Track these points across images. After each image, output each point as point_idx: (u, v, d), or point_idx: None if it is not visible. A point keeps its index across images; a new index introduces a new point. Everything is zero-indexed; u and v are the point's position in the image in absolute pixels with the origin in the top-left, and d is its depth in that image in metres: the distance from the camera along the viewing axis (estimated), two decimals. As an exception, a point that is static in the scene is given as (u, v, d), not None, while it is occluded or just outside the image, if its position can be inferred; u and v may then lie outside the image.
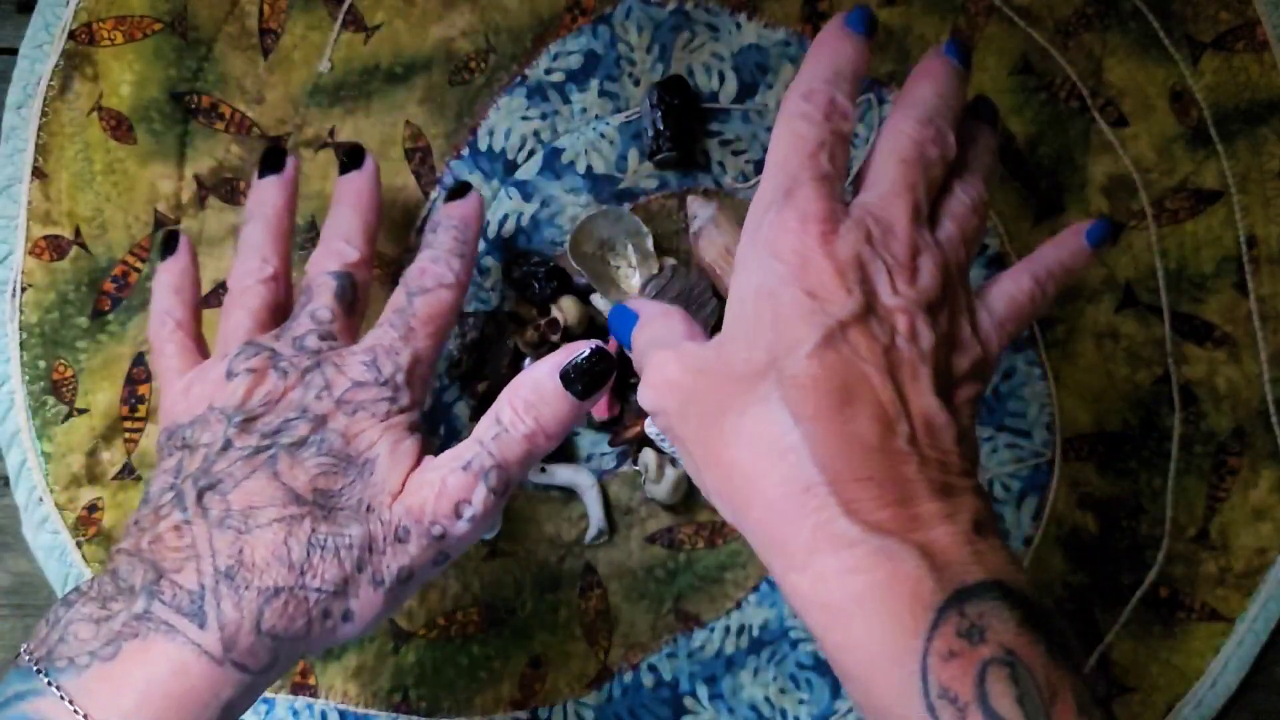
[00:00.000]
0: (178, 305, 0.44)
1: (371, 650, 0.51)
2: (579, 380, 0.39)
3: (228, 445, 0.37)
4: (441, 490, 0.37)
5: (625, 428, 0.51)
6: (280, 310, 0.43)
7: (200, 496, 0.36)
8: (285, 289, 0.43)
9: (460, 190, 0.46)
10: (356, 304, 0.42)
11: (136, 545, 0.36)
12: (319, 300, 0.41)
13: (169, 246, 0.46)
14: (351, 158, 0.45)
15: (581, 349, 0.39)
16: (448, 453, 0.39)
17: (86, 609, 0.36)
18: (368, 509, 0.37)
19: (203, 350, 0.44)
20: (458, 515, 0.37)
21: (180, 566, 0.35)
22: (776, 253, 0.34)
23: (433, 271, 0.42)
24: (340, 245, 0.43)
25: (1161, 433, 0.52)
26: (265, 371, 0.39)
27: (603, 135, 0.53)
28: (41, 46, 0.52)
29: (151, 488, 0.38)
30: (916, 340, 0.34)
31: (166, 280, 0.45)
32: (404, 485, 0.38)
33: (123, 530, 0.38)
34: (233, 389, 0.38)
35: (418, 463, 0.39)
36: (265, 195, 0.45)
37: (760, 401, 0.33)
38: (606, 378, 0.39)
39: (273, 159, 0.45)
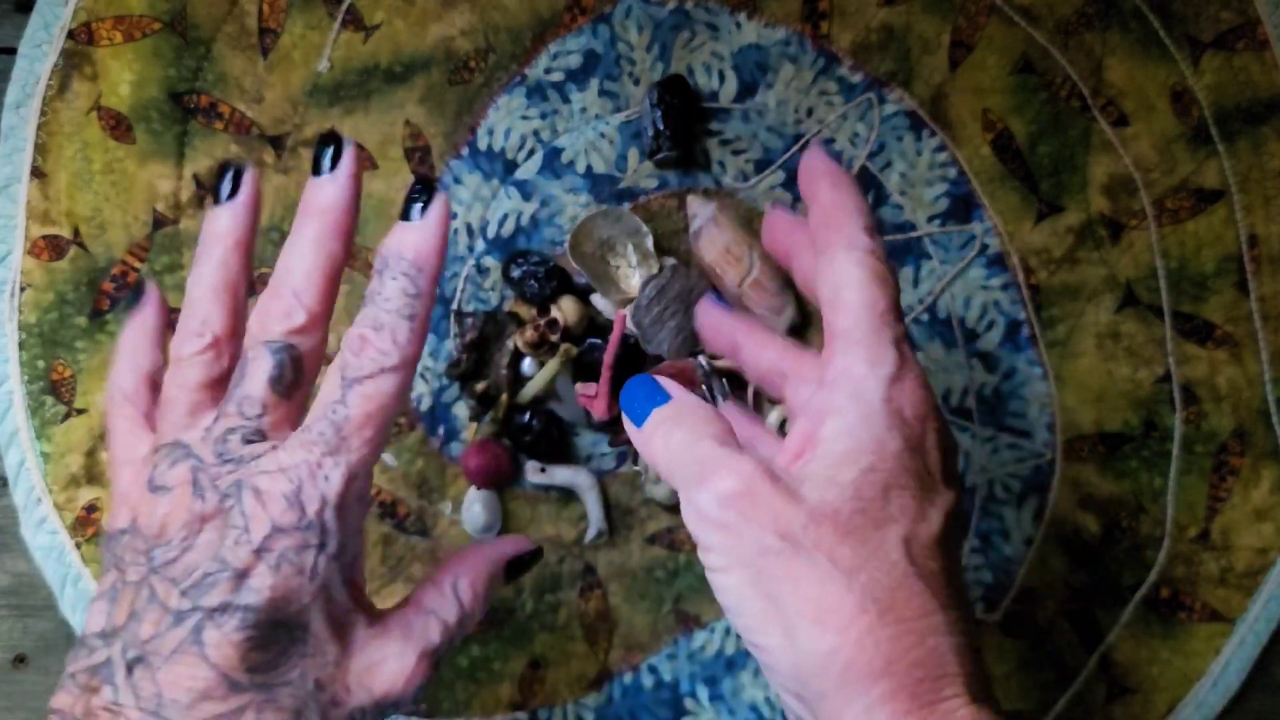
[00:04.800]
0: (128, 375, 0.39)
1: (371, 651, 0.51)
2: (515, 573, 0.40)
3: (153, 596, 0.33)
4: (413, 676, 0.35)
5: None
6: (223, 382, 0.36)
7: (130, 670, 0.33)
8: (230, 354, 0.37)
9: (420, 193, 0.36)
10: (299, 383, 0.35)
11: (72, 711, 0.33)
12: (251, 383, 0.35)
13: (135, 296, 0.40)
14: (328, 151, 0.36)
15: (529, 545, 0.41)
16: (403, 617, 0.36)
17: None
18: (317, 686, 0.34)
19: (154, 421, 0.38)
20: (412, 693, 0.36)
21: None
22: (901, 412, 0.33)
23: (373, 347, 0.34)
24: (288, 301, 0.35)
25: (1162, 433, 0.52)
26: (185, 490, 0.34)
27: (603, 135, 0.53)
28: (40, 46, 0.52)
29: (90, 623, 0.35)
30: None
31: (125, 343, 0.39)
32: (350, 649, 0.35)
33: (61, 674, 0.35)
34: (152, 508, 0.34)
35: (360, 604, 0.36)
36: (215, 230, 0.37)
37: (899, 575, 0.31)
38: (527, 570, 0.41)
39: (229, 179, 0.37)
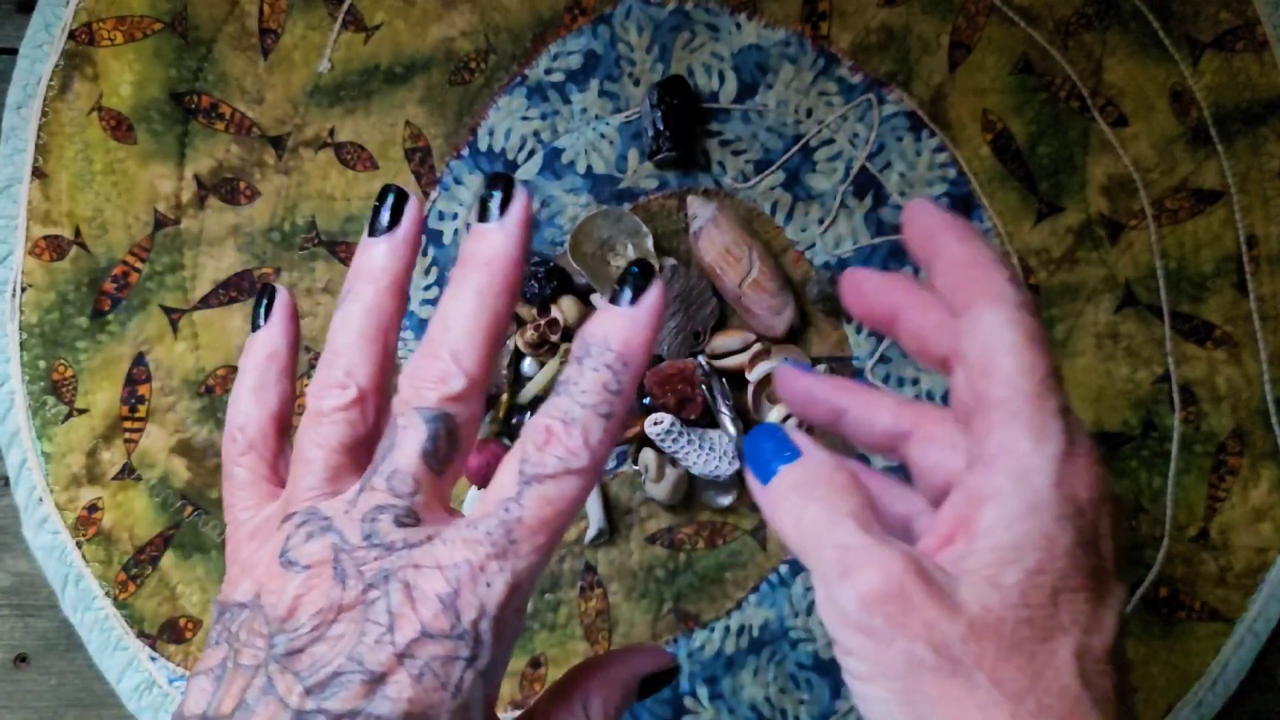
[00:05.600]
0: (255, 414, 0.34)
1: (371, 650, 0.51)
2: (649, 691, 0.35)
3: (269, 688, 0.29)
4: None
5: (625, 428, 0.51)
6: (363, 445, 0.32)
7: None
8: (374, 413, 0.32)
9: (640, 279, 0.31)
10: (453, 457, 0.31)
11: None
12: (402, 455, 0.31)
13: (264, 303, 0.35)
14: (497, 189, 0.32)
15: (666, 659, 0.35)
16: None
17: None
18: None
19: (281, 471, 0.34)
20: None
21: None
22: (1074, 498, 0.29)
23: (561, 444, 0.30)
24: (445, 365, 0.31)
25: (1161, 432, 0.52)
26: (323, 572, 0.30)
27: (603, 135, 0.53)
28: (41, 46, 0.52)
29: (191, 695, 0.31)
30: None
31: (249, 374, 0.34)
32: None
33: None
34: (282, 586, 0.30)
35: None
36: (371, 263, 0.32)
37: (1071, 702, 0.27)
38: (665, 687, 0.36)
39: (390, 206, 0.33)
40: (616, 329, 0.31)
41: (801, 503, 0.30)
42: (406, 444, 0.31)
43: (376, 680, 0.29)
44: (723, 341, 0.51)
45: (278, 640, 0.29)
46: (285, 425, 0.34)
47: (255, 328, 0.35)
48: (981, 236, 0.32)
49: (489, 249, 0.31)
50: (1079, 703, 0.27)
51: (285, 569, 0.30)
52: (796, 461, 0.31)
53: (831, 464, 0.31)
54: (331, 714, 0.28)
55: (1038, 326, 0.30)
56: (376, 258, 0.32)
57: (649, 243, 0.51)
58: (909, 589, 0.28)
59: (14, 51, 0.52)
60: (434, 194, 0.52)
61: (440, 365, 0.31)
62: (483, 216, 0.32)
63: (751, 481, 0.32)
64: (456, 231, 0.52)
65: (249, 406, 0.34)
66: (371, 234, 0.33)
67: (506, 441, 0.51)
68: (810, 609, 0.51)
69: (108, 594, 0.51)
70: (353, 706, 0.28)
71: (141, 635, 0.51)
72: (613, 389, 0.30)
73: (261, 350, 0.34)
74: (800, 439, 0.32)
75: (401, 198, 0.33)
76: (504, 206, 0.31)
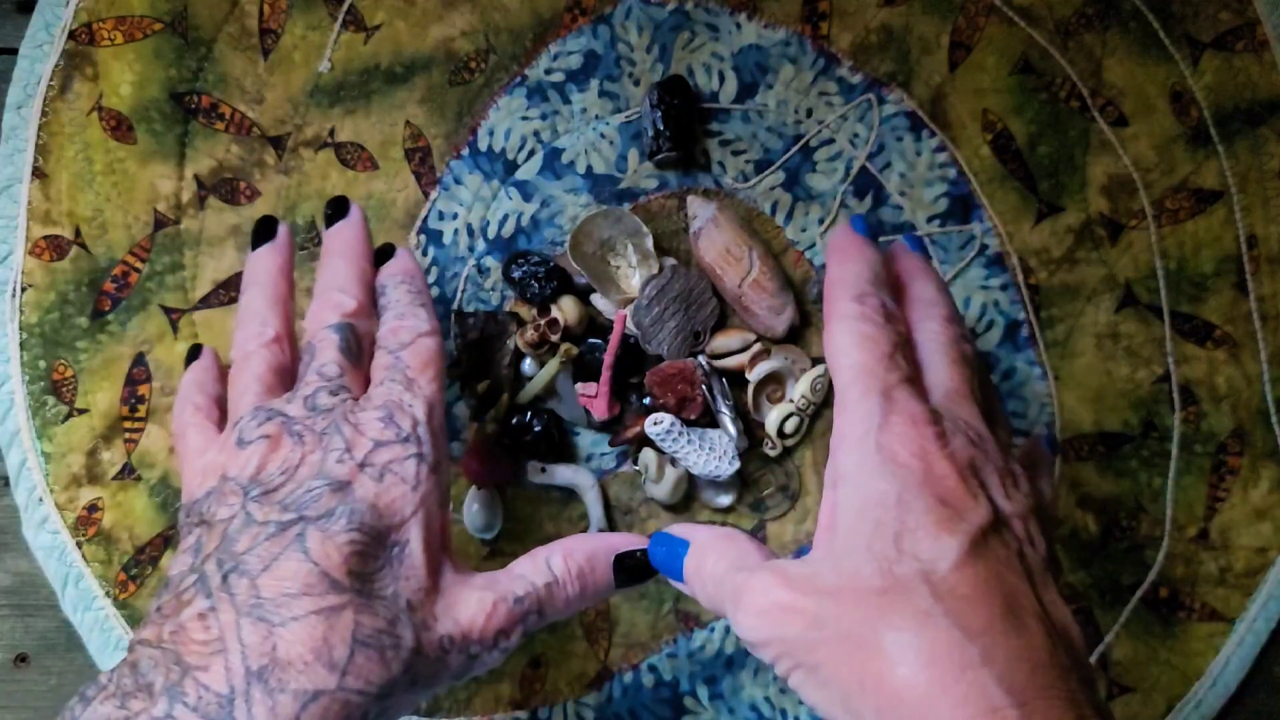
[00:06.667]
0: (199, 394, 0.43)
1: (371, 650, 0.51)
2: (627, 575, 0.40)
3: (249, 520, 0.35)
4: (491, 616, 0.37)
5: (625, 428, 0.51)
6: (286, 372, 0.41)
7: (225, 579, 0.33)
8: (289, 350, 0.41)
9: (389, 248, 0.45)
10: (362, 353, 0.41)
11: (158, 635, 0.33)
12: (324, 355, 0.39)
13: (192, 355, 0.46)
14: (336, 209, 0.45)
15: (642, 544, 0.41)
16: (491, 575, 0.38)
17: (104, 708, 0.32)
18: (408, 606, 0.35)
19: (223, 429, 0.41)
20: (496, 645, 0.37)
21: (207, 663, 0.32)
22: (894, 457, 0.33)
23: (405, 326, 0.41)
24: (336, 296, 0.41)
25: (1161, 432, 0.52)
26: (279, 438, 0.37)
27: (603, 135, 0.53)
28: (41, 46, 0.52)
29: (172, 571, 0.35)
30: (1036, 546, 0.34)
31: (190, 379, 0.45)
32: (439, 586, 0.37)
33: (144, 615, 0.35)
34: (246, 457, 0.36)
35: (447, 550, 0.38)
36: (260, 263, 0.44)
37: (921, 617, 0.31)
38: (646, 578, 0.41)
39: (264, 229, 0.44)
40: (393, 266, 0.44)
41: (699, 575, 0.37)
42: (326, 348, 0.40)
43: (343, 486, 0.35)
44: (723, 341, 0.51)
45: (251, 489, 0.36)
46: (223, 401, 0.43)
47: (188, 363, 0.46)
48: (856, 254, 0.38)
49: (345, 235, 0.44)
50: (930, 616, 0.31)
51: (243, 447, 0.37)
52: (689, 550, 0.38)
53: (710, 535, 0.38)
54: (310, 518, 0.34)
55: (870, 328, 0.35)
56: (265, 257, 0.44)
57: (649, 242, 0.51)
58: (777, 595, 0.33)
59: (14, 51, 0.52)
60: (434, 194, 0.52)
61: (332, 299, 0.41)
62: (329, 224, 0.44)
63: (674, 584, 0.39)
64: (456, 231, 0.52)
65: (194, 390, 0.43)
66: (254, 249, 0.44)
67: (507, 441, 0.51)
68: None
69: (108, 594, 0.51)
70: (327, 508, 0.35)
71: (141, 635, 0.51)
72: (414, 290, 0.43)
73: (195, 368, 0.45)
74: (683, 530, 0.39)
75: (271, 218, 0.45)
76: (344, 212, 0.45)
